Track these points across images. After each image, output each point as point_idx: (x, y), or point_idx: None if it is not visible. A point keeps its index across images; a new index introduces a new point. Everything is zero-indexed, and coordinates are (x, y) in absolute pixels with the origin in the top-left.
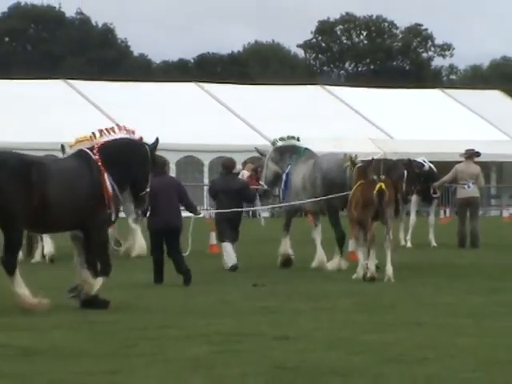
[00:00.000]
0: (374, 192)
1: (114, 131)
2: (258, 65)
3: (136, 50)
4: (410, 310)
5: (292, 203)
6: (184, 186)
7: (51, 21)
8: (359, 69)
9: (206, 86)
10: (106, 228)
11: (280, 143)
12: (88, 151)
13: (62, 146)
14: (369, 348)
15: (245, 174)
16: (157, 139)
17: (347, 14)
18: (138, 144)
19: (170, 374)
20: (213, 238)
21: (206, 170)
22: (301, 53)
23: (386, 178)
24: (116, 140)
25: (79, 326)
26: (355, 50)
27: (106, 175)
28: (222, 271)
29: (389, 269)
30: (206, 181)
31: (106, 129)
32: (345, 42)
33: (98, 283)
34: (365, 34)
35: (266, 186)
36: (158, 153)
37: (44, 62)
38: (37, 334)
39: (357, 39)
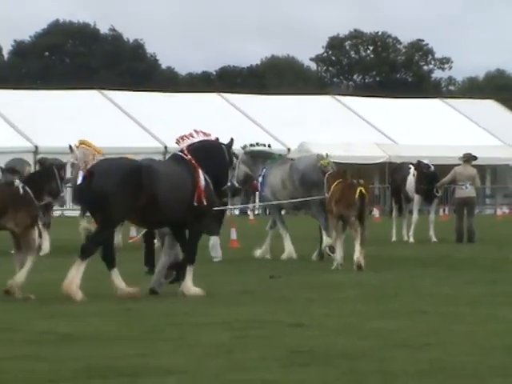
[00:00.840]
0: (356, 196)
1: (192, 136)
2: (275, 77)
3: (164, 63)
4: (412, 299)
5: (283, 201)
6: None
7: (87, 36)
8: (366, 80)
9: (228, 96)
10: (202, 220)
11: (251, 148)
12: (181, 153)
13: (70, 147)
14: (375, 334)
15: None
16: (231, 140)
17: (355, 30)
18: (219, 144)
19: (193, 358)
20: (233, 233)
21: None
22: (313, 66)
23: (364, 182)
24: (202, 141)
25: (113, 314)
26: (363, 63)
27: (200, 172)
28: (242, 264)
29: (357, 257)
30: None
31: (186, 135)
32: (353, 55)
33: (190, 271)
34: (371, 48)
35: (237, 185)
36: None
37: (80, 74)
38: (75, 321)
39: (364, 53)
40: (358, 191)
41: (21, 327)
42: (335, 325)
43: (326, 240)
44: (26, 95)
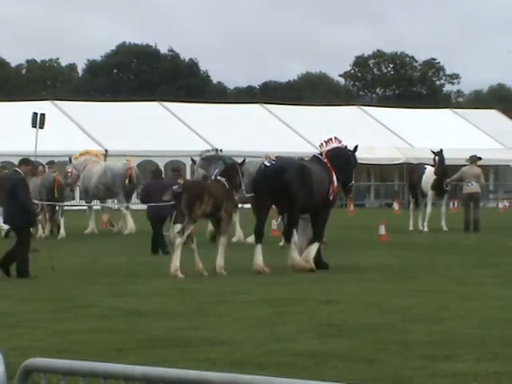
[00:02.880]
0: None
1: (332, 141)
2: (309, 90)
3: (214, 78)
4: (428, 280)
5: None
6: None
7: (149, 56)
8: (387, 93)
9: (269, 106)
10: (330, 209)
11: (206, 154)
12: (320, 156)
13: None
14: (395, 310)
15: None
16: (356, 146)
17: (378, 50)
18: (347, 151)
19: (240, 330)
20: (274, 225)
21: None
22: (342, 81)
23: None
24: (335, 148)
25: (172, 292)
26: (384, 79)
27: (333, 173)
28: (281, 249)
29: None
30: None
31: (326, 140)
32: (376, 72)
33: (315, 247)
34: (391, 66)
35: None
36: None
37: (143, 88)
38: (140, 298)
39: (385, 70)
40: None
41: (94, 304)
42: (361, 302)
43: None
44: (97, 107)
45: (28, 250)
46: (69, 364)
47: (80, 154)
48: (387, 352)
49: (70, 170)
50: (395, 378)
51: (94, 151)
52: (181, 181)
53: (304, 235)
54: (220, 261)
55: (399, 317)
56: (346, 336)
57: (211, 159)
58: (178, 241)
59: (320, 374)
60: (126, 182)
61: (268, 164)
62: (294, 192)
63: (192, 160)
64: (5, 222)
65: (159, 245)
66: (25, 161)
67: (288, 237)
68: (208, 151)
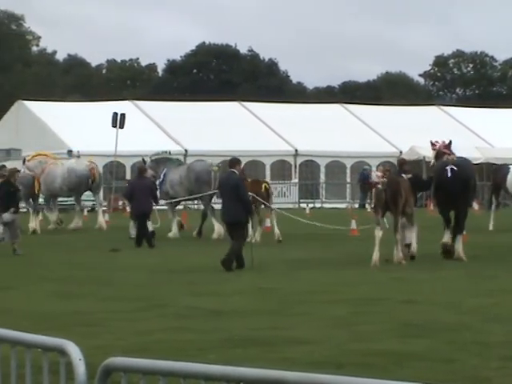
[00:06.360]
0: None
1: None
2: (389, 90)
3: (294, 78)
4: (507, 280)
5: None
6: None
7: (229, 56)
8: (467, 93)
9: (348, 106)
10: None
11: (155, 156)
12: (467, 159)
13: (70, 151)
14: (474, 309)
15: (379, 175)
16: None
17: (457, 50)
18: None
19: (319, 330)
20: (353, 224)
21: (348, 171)
22: (421, 81)
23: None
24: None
25: (249, 292)
26: (464, 79)
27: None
28: (360, 249)
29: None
30: (349, 179)
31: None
32: (456, 72)
33: (460, 238)
34: (471, 65)
35: None
36: (307, 156)
37: (223, 88)
38: (219, 298)
39: (465, 70)
40: (263, 186)
41: (173, 303)
42: (440, 301)
43: (217, 226)
44: (176, 106)
45: (243, 243)
46: (149, 363)
47: (33, 156)
48: (466, 352)
49: (22, 170)
50: (474, 378)
51: (48, 153)
52: (382, 179)
53: (412, 230)
54: (413, 247)
55: (478, 317)
56: (425, 336)
57: (160, 161)
58: (398, 235)
59: (398, 374)
60: (90, 181)
61: (454, 168)
62: (470, 190)
63: (143, 160)
64: (224, 219)
65: (143, 238)
66: (238, 160)
67: (461, 231)
68: (158, 153)
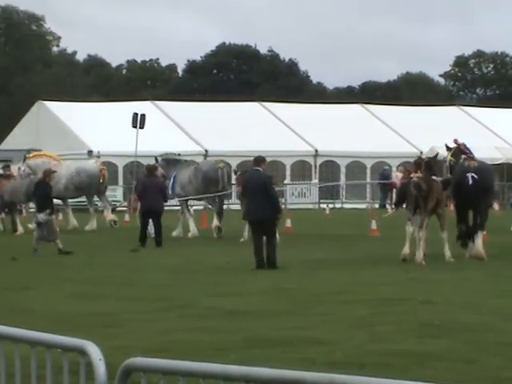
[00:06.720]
0: None
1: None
2: (409, 90)
3: (314, 79)
4: None
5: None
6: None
7: (249, 56)
8: (487, 93)
9: (369, 106)
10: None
11: (165, 157)
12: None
13: (90, 152)
14: (494, 310)
15: (399, 176)
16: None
17: (478, 50)
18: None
19: (339, 330)
20: (373, 224)
21: (368, 171)
22: (442, 81)
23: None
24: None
25: (271, 292)
26: (484, 79)
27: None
28: (380, 250)
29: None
30: (369, 179)
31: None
32: (476, 72)
33: (481, 235)
34: (492, 66)
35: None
36: (327, 157)
37: (243, 89)
38: (239, 298)
39: (485, 70)
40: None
41: (193, 303)
42: (460, 302)
43: (215, 221)
44: (197, 107)
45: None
46: (168, 363)
47: (34, 156)
48: (487, 352)
49: (23, 168)
50: (495, 378)
51: (49, 153)
52: (417, 176)
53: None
54: (446, 251)
55: (498, 317)
56: (445, 336)
57: (169, 162)
58: (422, 233)
59: (419, 374)
60: (100, 182)
61: (475, 176)
62: (490, 195)
63: (156, 160)
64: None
65: (146, 237)
66: (263, 159)
67: (482, 227)
68: (168, 154)
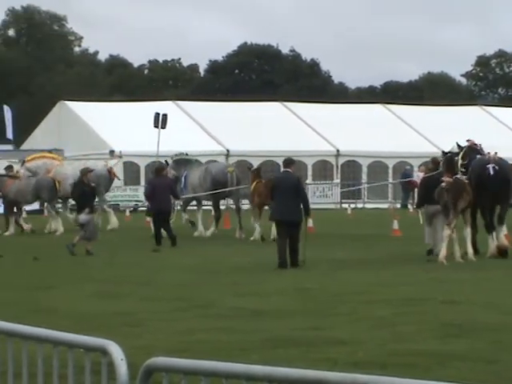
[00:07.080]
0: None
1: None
2: (431, 90)
3: (336, 79)
4: None
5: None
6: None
7: (271, 56)
8: (509, 93)
9: (390, 106)
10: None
11: (176, 157)
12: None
13: (112, 152)
14: None
15: (420, 175)
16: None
17: (500, 50)
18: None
19: (361, 330)
20: (395, 224)
21: (390, 171)
22: (463, 81)
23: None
24: None
25: (293, 292)
26: (506, 79)
27: None
28: (402, 250)
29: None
30: (391, 179)
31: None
32: (498, 72)
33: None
34: None
35: None
36: (349, 157)
37: (265, 89)
38: (260, 298)
39: (507, 70)
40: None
41: (214, 303)
42: (482, 302)
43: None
44: (218, 107)
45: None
46: (190, 363)
47: (33, 158)
48: (509, 352)
49: (22, 171)
50: None
51: (51, 154)
52: (448, 179)
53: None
54: (469, 248)
55: None
56: (468, 336)
57: (180, 162)
58: (447, 232)
59: (441, 374)
60: (108, 181)
61: (496, 168)
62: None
63: (166, 162)
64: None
65: (160, 237)
66: (292, 161)
67: (502, 221)
68: (178, 154)
